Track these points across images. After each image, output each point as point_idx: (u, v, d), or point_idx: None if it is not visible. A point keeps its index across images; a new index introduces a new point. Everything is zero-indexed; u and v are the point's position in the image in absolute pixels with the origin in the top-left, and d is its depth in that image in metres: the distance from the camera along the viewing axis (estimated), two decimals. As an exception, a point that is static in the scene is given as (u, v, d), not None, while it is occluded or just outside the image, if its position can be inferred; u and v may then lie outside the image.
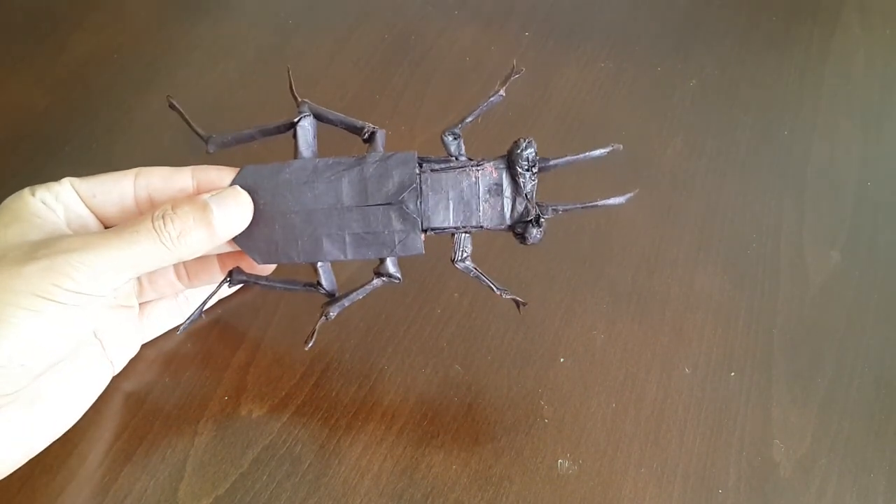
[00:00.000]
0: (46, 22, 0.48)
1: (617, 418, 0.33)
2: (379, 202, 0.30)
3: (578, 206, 0.30)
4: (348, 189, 0.30)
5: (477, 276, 0.31)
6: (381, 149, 0.31)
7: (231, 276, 0.32)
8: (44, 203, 0.28)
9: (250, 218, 0.30)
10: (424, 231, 0.30)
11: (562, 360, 0.35)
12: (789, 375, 0.35)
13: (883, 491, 0.32)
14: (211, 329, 0.35)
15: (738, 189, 0.43)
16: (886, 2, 0.55)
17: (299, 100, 0.31)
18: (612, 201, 0.30)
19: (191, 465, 0.31)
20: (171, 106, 0.33)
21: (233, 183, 0.30)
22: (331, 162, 0.30)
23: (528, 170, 0.30)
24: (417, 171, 0.30)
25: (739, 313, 0.37)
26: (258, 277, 0.32)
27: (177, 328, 0.34)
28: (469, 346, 0.35)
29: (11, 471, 0.28)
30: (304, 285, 0.32)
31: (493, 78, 0.47)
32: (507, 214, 0.30)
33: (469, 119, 0.30)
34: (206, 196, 0.28)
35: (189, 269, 0.33)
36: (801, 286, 0.39)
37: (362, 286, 0.31)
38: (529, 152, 0.29)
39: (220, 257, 0.33)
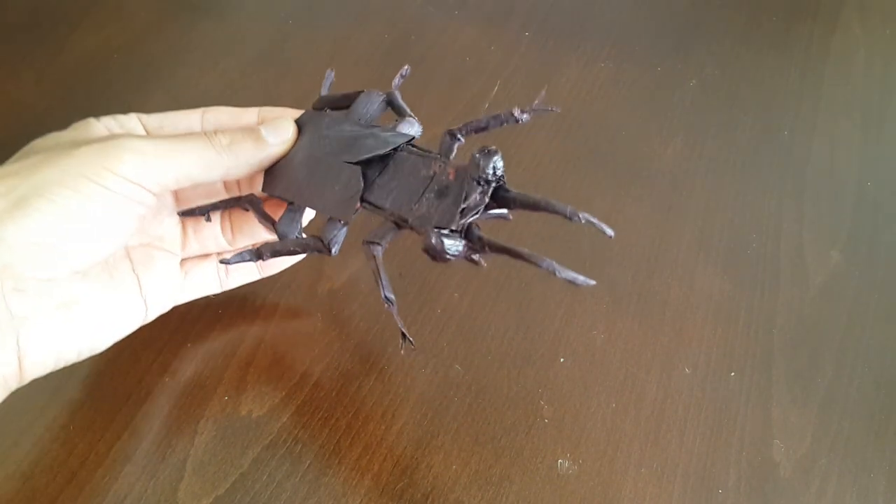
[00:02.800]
0: (46, 22, 0.48)
1: (617, 418, 0.33)
2: (349, 160, 0.29)
3: (506, 248, 0.24)
4: (341, 143, 0.29)
5: (374, 269, 0.28)
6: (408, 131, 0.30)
7: (241, 198, 0.32)
8: (107, 129, 0.29)
9: (292, 138, 0.30)
10: (363, 201, 0.28)
11: (562, 360, 0.35)
12: (789, 375, 0.35)
13: (883, 491, 0.32)
14: (211, 329, 0.35)
15: (738, 189, 0.43)
16: (886, 2, 0.55)
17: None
18: (548, 264, 0.23)
19: (191, 465, 0.31)
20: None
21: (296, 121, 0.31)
22: (360, 121, 0.30)
23: (478, 182, 0.25)
24: (396, 147, 0.28)
25: (739, 313, 0.37)
26: (261, 213, 0.31)
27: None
28: (469, 346, 0.35)
29: (37, 375, 0.27)
30: (267, 218, 0.31)
31: (492, 78, 0.47)
32: (434, 219, 0.26)
33: (473, 126, 0.28)
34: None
35: (234, 223, 0.33)
36: (801, 286, 0.39)
37: (296, 238, 0.30)
38: (488, 166, 0.25)
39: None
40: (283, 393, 0.33)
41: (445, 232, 0.25)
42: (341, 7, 0.51)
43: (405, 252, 0.38)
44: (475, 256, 0.28)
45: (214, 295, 0.36)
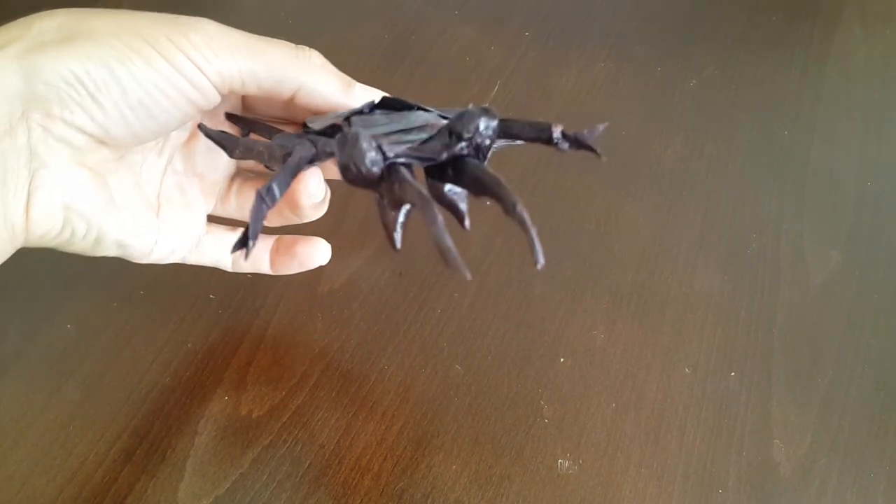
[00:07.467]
0: (46, 22, 0.48)
1: (617, 418, 0.33)
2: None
3: (415, 194, 0.21)
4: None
5: (291, 161, 0.24)
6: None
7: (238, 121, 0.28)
8: None
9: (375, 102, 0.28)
10: (346, 119, 0.26)
11: (562, 360, 0.35)
12: (789, 375, 0.35)
13: (883, 491, 0.32)
14: (211, 329, 0.35)
15: (738, 189, 0.43)
16: (886, 2, 0.55)
17: None
18: (433, 220, 0.19)
19: (191, 465, 0.31)
20: None
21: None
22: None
23: (449, 134, 0.21)
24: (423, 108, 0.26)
25: (739, 313, 0.37)
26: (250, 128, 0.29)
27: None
28: (469, 346, 0.35)
29: (42, 234, 0.24)
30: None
31: (492, 78, 0.47)
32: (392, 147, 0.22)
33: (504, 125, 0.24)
34: None
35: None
36: (801, 286, 0.39)
37: (269, 143, 0.26)
38: (471, 123, 0.21)
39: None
40: (283, 393, 0.33)
41: (375, 144, 0.21)
42: (341, 7, 0.51)
43: (405, 251, 0.38)
44: (396, 235, 0.24)
45: (213, 297, 0.36)
